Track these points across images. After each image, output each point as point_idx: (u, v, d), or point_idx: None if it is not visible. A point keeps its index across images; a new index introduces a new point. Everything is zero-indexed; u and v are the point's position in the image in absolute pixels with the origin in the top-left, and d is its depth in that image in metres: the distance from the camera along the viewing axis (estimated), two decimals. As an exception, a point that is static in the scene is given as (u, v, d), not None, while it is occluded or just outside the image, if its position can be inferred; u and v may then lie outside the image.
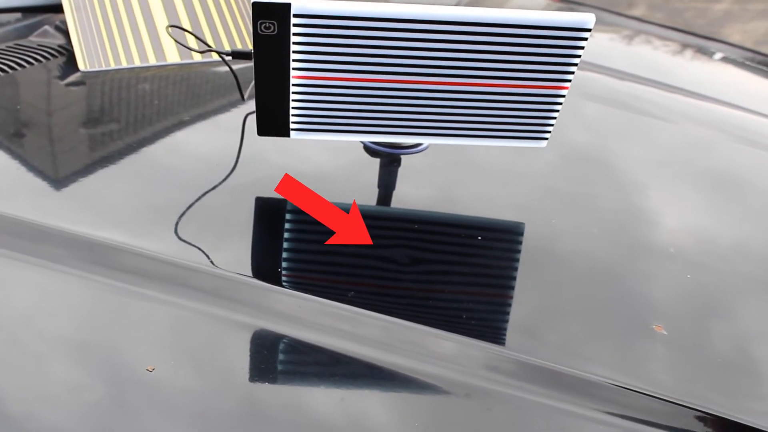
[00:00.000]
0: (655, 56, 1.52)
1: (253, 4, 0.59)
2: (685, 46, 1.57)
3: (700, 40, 1.66)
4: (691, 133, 1.03)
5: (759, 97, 1.23)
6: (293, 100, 0.66)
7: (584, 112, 0.99)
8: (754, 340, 0.62)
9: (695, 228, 0.77)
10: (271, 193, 0.72)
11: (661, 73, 1.25)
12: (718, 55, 1.57)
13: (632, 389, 0.54)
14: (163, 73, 0.97)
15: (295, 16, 0.60)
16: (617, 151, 0.92)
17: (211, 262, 0.61)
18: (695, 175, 0.89)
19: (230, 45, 1.02)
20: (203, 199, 0.69)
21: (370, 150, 0.78)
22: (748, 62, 1.48)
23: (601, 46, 1.41)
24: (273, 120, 0.68)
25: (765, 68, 1.45)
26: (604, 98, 1.06)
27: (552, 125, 0.69)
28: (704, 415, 0.53)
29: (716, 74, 1.50)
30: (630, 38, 1.57)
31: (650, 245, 0.72)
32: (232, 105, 0.89)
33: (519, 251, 0.69)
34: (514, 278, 0.65)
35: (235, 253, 0.64)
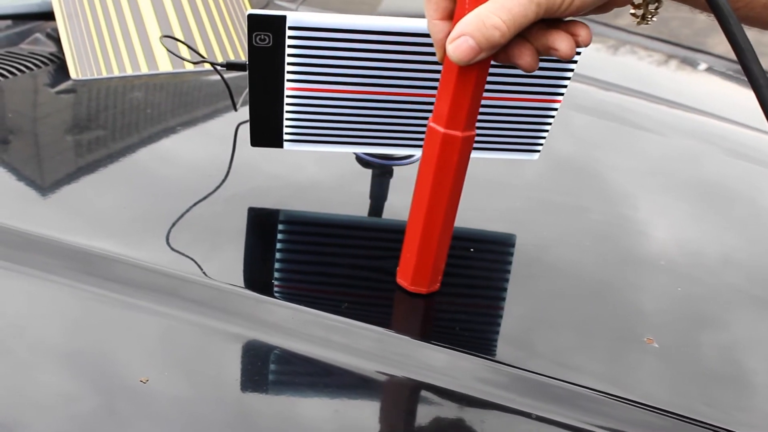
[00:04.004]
0: (641, 67, 1.53)
1: (249, 15, 0.60)
2: (671, 56, 1.59)
3: (686, 51, 1.67)
4: (678, 145, 1.03)
5: (743, 108, 1.24)
6: (287, 112, 0.66)
7: (572, 123, 1.00)
8: (744, 352, 0.62)
9: (685, 240, 0.77)
10: (263, 203, 0.72)
11: (648, 84, 1.26)
12: (703, 66, 1.58)
13: (624, 401, 0.54)
14: (155, 82, 0.97)
15: (290, 28, 0.60)
16: (607, 163, 0.92)
17: (204, 272, 0.61)
18: (684, 187, 0.90)
19: (222, 55, 1.02)
20: (195, 208, 0.69)
21: (362, 161, 0.78)
22: (733, 74, 1.49)
23: (589, 56, 1.42)
24: (266, 131, 0.68)
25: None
26: (593, 109, 1.07)
27: (544, 138, 0.70)
28: (695, 426, 0.53)
29: (702, 85, 1.51)
30: (616, 48, 1.58)
31: (641, 257, 0.72)
32: (224, 114, 0.89)
33: (510, 262, 0.69)
34: (506, 289, 0.66)
35: (227, 263, 0.64)
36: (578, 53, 0.63)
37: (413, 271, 0.61)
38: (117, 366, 0.52)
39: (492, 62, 0.63)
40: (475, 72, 0.52)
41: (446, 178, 0.56)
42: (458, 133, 0.54)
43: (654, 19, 0.52)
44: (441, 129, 0.54)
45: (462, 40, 0.49)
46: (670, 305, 0.66)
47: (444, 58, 0.52)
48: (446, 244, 0.60)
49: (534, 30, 0.50)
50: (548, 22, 0.50)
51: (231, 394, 0.51)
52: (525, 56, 0.51)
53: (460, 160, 0.56)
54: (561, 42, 0.50)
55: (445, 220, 0.58)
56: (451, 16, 0.51)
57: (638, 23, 0.52)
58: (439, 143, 0.55)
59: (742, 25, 0.47)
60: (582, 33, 0.50)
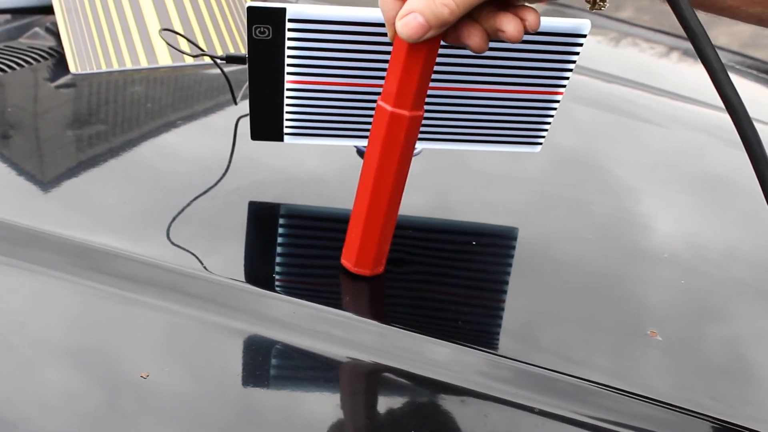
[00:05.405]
0: (643, 59, 1.52)
1: (249, 8, 0.59)
2: (672, 48, 1.58)
3: (688, 42, 1.66)
4: (681, 137, 1.03)
5: (745, 101, 1.24)
6: (287, 105, 0.66)
7: (574, 115, 0.99)
8: (748, 345, 0.62)
9: (689, 233, 0.77)
10: (264, 197, 0.72)
11: (650, 76, 1.26)
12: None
13: (627, 395, 0.54)
14: (154, 76, 0.96)
15: (290, 20, 0.60)
16: (609, 155, 0.92)
17: (205, 267, 0.61)
18: (687, 179, 0.90)
19: (222, 48, 1.02)
20: (196, 203, 0.69)
21: (363, 154, 0.78)
22: (734, 65, 1.48)
23: (590, 48, 1.42)
24: (266, 124, 0.67)
25: (753, 71, 1.46)
26: (595, 101, 1.07)
27: (546, 130, 0.70)
28: (699, 419, 0.53)
29: (704, 77, 1.50)
30: (618, 40, 1.57)
31: (644, 250, 0.72)
32: (225, 108, 0.89)
33: (512, 256, 0.69)
34: (508, 283, 0.66)
35: (228, 258, 0.63)
36: (580, 44, 0.63)
37: (357, 253, 0.61)
38: (118, 361, 0.52)
39: (493, 54, 0.63)
40: (424, 51, 0.52)
41: (392, 158, 0.57)
42: (405, 113, 0.55)
43: (607, 4, 0.53)
44: (389, 108, 0.55)
45: (411, 17, 0.50)
46: (674, 298, 0.66)
47: (394, 37, 0.53)
48: (391, 225, 0.60)
49: (483, 11, 0.51)
50: (498, 4, 0.51)
51: (232, 389, 0.51)
52: (474, 37, 0.52)
53: (407, 140, 0.56)
54: (508, 24, 0.50)
55: (391, 201, 0.59)
56: None
57: (590, 9, 0.53)
58: (387, 122, 0.55)
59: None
60: (529, 18, 0.51)
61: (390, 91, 0.54)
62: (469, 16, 0.51)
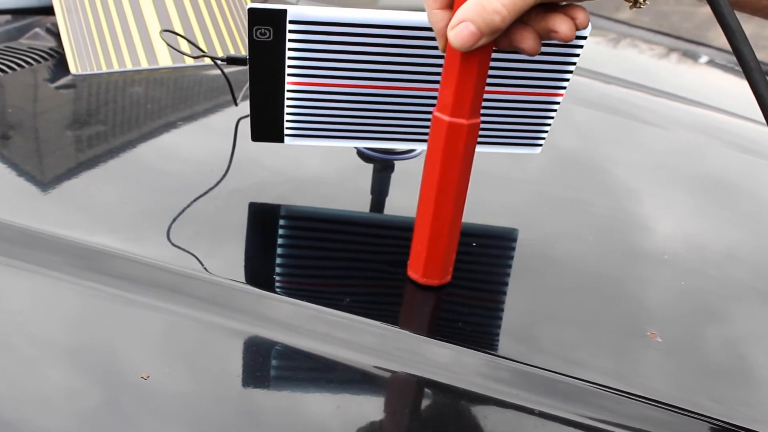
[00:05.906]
0: (643, 60, 1.52)
1: (249, 10, 0.59)
2: (672, 49, 1.58)
3: (687, 44, 1.67)
4: (680, 138, 1.03)
5: (745, 101, 1.24)
6: (288, 106, 0.66)
7: (575, 116, 0.99)
8: (748, 346, 0.62)
9: (688, 234, 0.77)
10: (264, 198, 0.72)
11: (649, 78, 1.26)
12: (704, 59, 1.58)
13: (627, 396, 0.54)
14: (155, 77, 0.96)
15: (291, 22, 0.60)
16: (609, 157, 0.92)
17: (205, 268, 0.61)
18: (687, 180, 0.90)
19: (222, 49, 1.02)
20: (196, 204, 0.69)
21: (363, 156, 0.78)
22: (734, 65, 1.49)
23: (590, 50, 1.42)
24: (267, 126, 0.68)
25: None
26: (595, 103, 1.07)
27: (546, 132, 0.70)
28: (699, 421, 0.53)
29: (704, 78, 1.51)
30: (617, 42, 1.57)
31: (644, 252, 0.72)
32: (225, 109, 0.89)
33: (513, 257, 0.69)
34: (509, 284, 0.66)
35: (228, 259, 0.63)
36: (581, 46, 0.63)
37: (424, 263, 0.61)
38: (118, 362, 0.52)
39: (494, 56, 0.63)
40: (477, 58, 0.52)
41: (453, 167, 0.57)
42: (464, 121, 0.54)
43: (647, 2, 0.53)
44: (446, 118, 0.55)
45: (463, 26, 0.49)
46: (674, 299, 0.66)
47: (446, 47, 0.53)
48: (456, 233, 0.60)
49: (533, 14, 0.51)
50: (546, 6, 0.51)
51: (233, 390, 0.51)
52: (527, 40, 0.51)
53: (467, 148, 0.56)
54: (561, 24, 0.51)
55: (455, 209, 0.59)
56: (451, 5, 0.52)
57: (630, 7, 0.53)
58: (445, 132, 0.55)
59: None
60: (580, 16, 0.51)
61: (446, 101, 0.54)
62: (520, 20, 0.50)
